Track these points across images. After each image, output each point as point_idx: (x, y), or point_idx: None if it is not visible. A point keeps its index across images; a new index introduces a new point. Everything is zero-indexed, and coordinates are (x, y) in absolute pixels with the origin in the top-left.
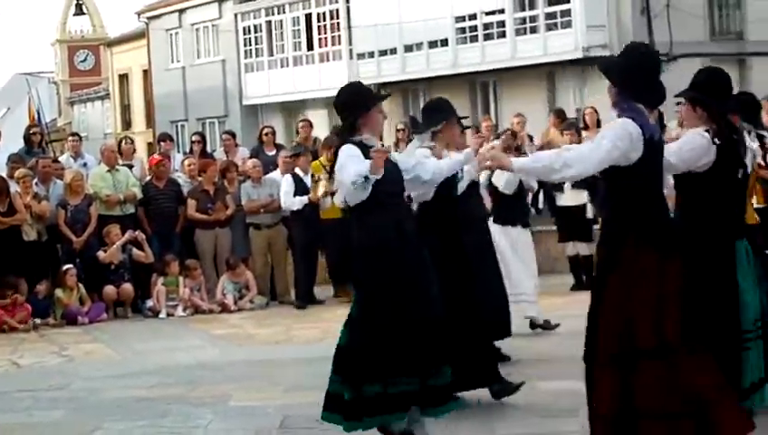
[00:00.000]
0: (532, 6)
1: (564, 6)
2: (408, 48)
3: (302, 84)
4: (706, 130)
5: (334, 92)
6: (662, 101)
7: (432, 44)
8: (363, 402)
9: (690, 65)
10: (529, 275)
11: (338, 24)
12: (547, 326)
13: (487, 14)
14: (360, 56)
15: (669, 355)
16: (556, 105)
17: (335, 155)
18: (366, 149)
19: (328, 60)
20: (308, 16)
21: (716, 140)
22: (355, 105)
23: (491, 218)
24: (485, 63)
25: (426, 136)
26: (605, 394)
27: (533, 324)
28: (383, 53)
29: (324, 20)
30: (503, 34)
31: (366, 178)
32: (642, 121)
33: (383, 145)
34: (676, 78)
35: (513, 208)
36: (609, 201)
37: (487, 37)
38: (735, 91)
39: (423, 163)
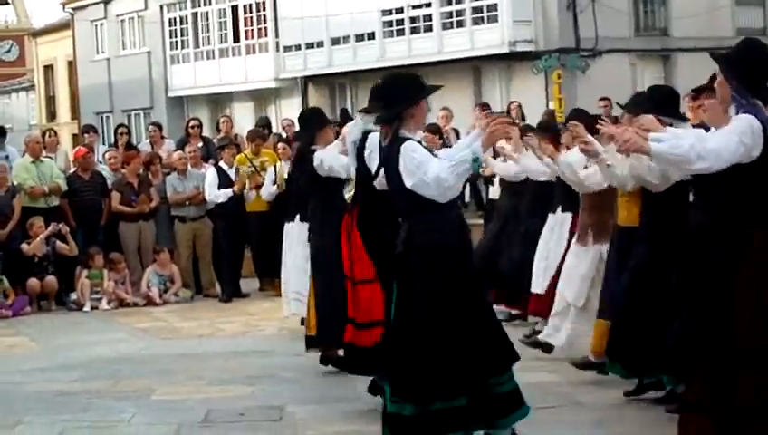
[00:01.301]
0: (458, 0)
1: (491, 1)
2: (335, 41)
3: (229, 76)
4: None
5: (260, 85)
6: None
7: (359, 38)
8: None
9: (615, 61)
10: (299, 272)
11: (264, 16)
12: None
13: (414, 7)
14: (287, 49)
15: None
16: (482, 99)
17: (390, 148)
18: None
19: (254, 52)
20: (234, 8)
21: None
22: (403, 97)
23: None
24: (412, 57)
25: (372, 118)
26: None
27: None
28: (310, 46)
29: (251, 12)
30: (429, 28)
31: (476, 159)
32: (763, 118)
33: (422, 142)
34: (602, 73)
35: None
36: (727, 196)
37: (414, 31)
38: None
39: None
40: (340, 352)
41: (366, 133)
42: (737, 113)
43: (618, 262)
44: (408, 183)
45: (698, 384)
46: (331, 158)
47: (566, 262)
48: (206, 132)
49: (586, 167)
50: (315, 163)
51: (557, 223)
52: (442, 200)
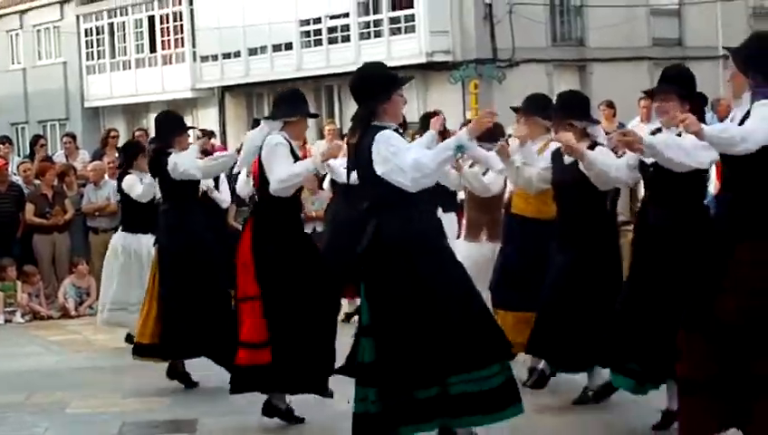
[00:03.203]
0: (376, 11)
1: (408, 12)
2: (253, 51)
3: (145, 87)
4: None
5: (177, 95)
6: None
7: (276, 48)
8: (412, 407)
9: (532, 71)
10: (135, 286)
11: (181, 26)
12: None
13: (332, 18)
14: (204, 59)
15: None
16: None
17: (359, 143)
18: None
19: (171, 62)
20: (151, 18)
21: None
22: (375, 92)
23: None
24: (330, 67)
25: (277, 124)
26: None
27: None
28: (227, 55)
29: (167, 22)
30: (347, 39)
31: (460, 147)
32: None
33: (401, 132)
34: (519, 83)
35: (143, 214)
36: (747, 178)
37: (332, 41)
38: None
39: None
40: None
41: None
42: (752, 102)
43: (510, 251)
44: (380, 170)
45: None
46: (186, 161)
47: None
48: (122, 143)
49: (484, 174)
50: (169, 166)
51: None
52: (413, 189)
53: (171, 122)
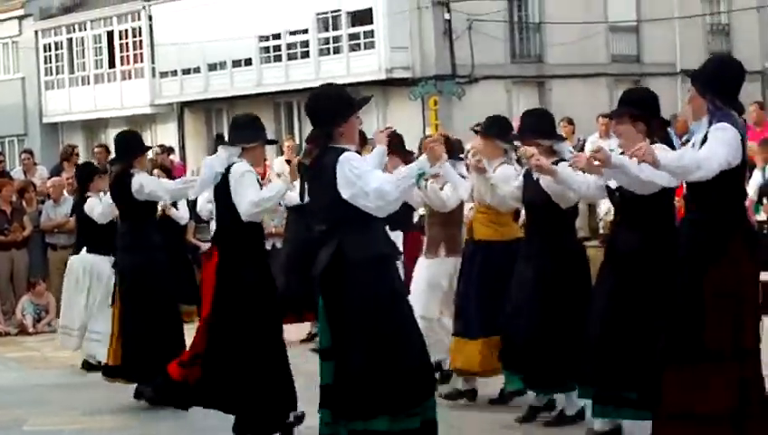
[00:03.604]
0: (335, 27)
1: (367, 27)
2: (212, 67)
3: (104, 102)
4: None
5: (136, 111)
6: (743, 110)
7: (236, 63)
8: None
9: (491, 87)
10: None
11: (140, 41)
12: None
13: (291, 33)
14: (163, 75)
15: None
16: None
17: (317, 163)
18: None
19: (130, 78)
20: (110, 34)
21: None
22: (333, 114)
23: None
24: (289, 83)
25: (236, 150)
26: (723, 391)
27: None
28: (186, 71)
29: (126, 38)
30: (306, 54)
31: (422, 174)
32: (740, 129)
33: (359, 152)
34: (478, 99)
35: (105, 235)
36: (708, 200)
37: (291, 57)
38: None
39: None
40: None
41: (229, 166)
42: (710, 124)
43: (480, 276)
44: (346, 194)
45: (676, 393)
46: (152, 182)
47: (418, 275)
48: (82, 159)
49: (441, 188)
50: (134, 188)
51: None
52: (380, 214)
53: (131, 143)
